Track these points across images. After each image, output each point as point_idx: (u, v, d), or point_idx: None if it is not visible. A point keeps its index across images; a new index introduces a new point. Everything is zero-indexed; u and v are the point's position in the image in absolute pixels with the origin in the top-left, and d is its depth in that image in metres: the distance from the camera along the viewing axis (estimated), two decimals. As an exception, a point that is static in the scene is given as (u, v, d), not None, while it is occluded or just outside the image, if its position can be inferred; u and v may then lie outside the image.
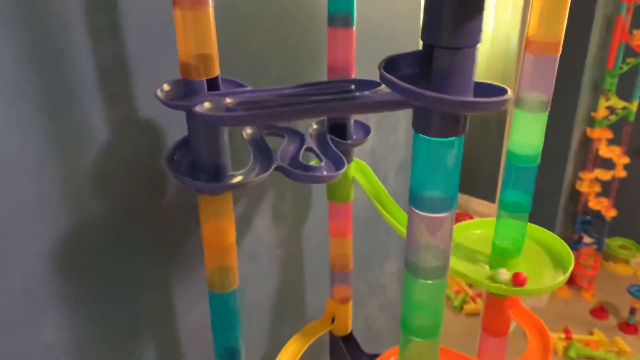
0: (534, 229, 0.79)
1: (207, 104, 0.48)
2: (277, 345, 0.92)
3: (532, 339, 0.75)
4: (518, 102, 0.66)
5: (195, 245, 0.77)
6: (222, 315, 0.71)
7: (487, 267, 0.76)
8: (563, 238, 2.77)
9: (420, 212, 0.46)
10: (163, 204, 0.72)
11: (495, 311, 0.78)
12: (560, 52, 0.61)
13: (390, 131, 1.14)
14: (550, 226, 2.68)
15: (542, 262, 0.76)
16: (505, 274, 0.71)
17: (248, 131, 0.75)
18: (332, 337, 1.00)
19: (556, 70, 0.63)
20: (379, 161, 1.15)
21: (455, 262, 0.77)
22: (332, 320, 0.99)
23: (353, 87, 0.52)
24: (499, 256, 0.74)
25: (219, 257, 0.67)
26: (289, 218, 0.95)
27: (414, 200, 0.46)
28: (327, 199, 0.89)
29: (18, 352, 0.61)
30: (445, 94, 0.40)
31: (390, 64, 0.42)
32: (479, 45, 0.39)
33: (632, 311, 2.64)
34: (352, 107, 0.45)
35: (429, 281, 0.49)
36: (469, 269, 0.76)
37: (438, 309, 0.51)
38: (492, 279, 0.70)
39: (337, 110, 0.47)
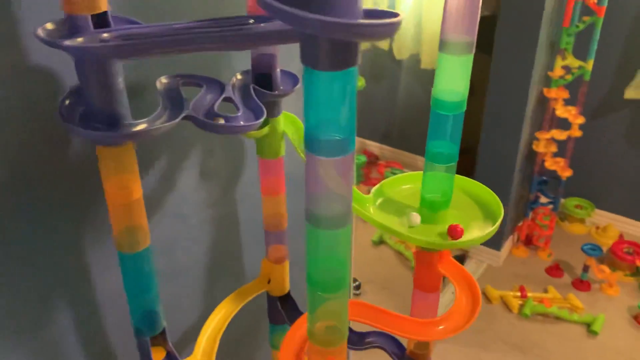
0: (463, 181, 0.76)
1: (80, 39, 0.43)
2: (210, 308, 0.89)
3: (461, 292, 0.73)
4: (442, 45, 0.62)
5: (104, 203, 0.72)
6: (134, 277, 0.67)
7: (417, 221, 0.74)
8: (519, 199, 2.79)
9: (317, 156, 0.42)
10: (65, 159, 0.66)
11: (425, 266, 0.76)
12: (482, -12, 0.58)
13: (330, 86, 1.09)
14: (506, 187, 2.70)
15: (472, 213, 0.73)
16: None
17: (163, 81, 0.70)
18: (270, 297, 0.98)
19: (480, 8, 0.59)
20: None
21: (384, 218, 0.74)
22: (269, 281, 0.96)
23: (252, 21, 0.47)
24: (428, 209, 0.72)
25: (125, 215, 0.62)
26: (220, 177, 0.91)
27: (309, 143, 0.42)
28: (257, 155, 0.84)
29: None
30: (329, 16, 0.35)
31: (272, -13, 0.38)
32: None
33: (585, 269, 2.70)
34: (231, 39, 0.41)
35: (331, 231, 0.46)
36: (398, 225, 0.73)
37: (344, 260, 0.48)
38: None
39: (215, 42, 0.43)
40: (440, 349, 2.37)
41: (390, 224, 0.72)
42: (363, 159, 3.50)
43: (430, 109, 0.67)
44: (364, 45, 3.35)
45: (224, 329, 0.85)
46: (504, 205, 0.71)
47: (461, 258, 2.88)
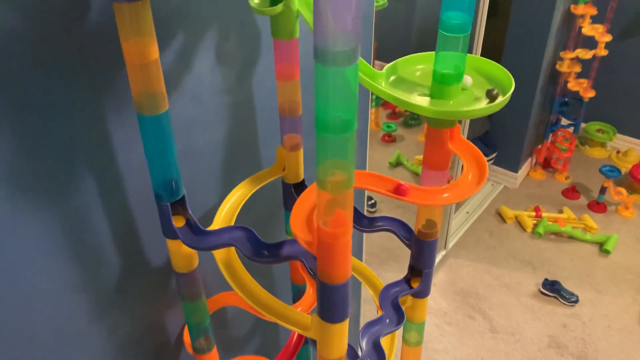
0: (474, 60, 0.77)
1: None
2: (228, 192, 0.92)
3: (468, 168, 0.75)
4: None
5: (122, 72, 0.74)
6: (154, 140, 0.70)
7: (428, 98, 0.75)
8: (539, 121, 2.78)
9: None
10: (84, 26, 0.68)
11: (435, 144, 0.78)
12: None
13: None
14: (527, 108, 2.66)
15: (482, 88, 0.74)
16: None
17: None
18: (285, 185, 1.01)
19: None
20: None
21: (396, 93, 0.76)
22: (284, 169, 0.99)
23: None
24: (440, 82, 0.73)
25: (143, 76, 0.65)
26: (235, 62, 0.92)
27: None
28: (272, 37, 0.85)
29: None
30: None
31: None
32: None
33: (602, 190, 2.70)
34: None
35: (338, 68, 0.48)
36: (409, 98, 0.74)
37: (351, 101, 0.50)
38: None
39: None
40: (452, 263, 2.43)
41: (403, 98, 0.73)
42: (382, 81, 3.46)
43: (445, -23, 0.66)
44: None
45: (241, 206, 0.89)
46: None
47: (477, 179, 2.90)
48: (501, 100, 0.70)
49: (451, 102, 0.73)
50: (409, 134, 3.39)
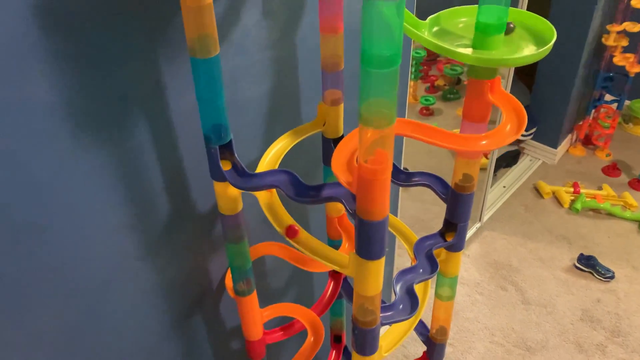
0: (518, 13, 0.78)
1: None
2: (269, 143, 0.96)
3: (507, 118, 0.77)
4: None
5: (176, 18, 0.78)
6: (205, 82, 0.74)
7: (470, 49, 0.76)
8: (582, 96, 2.73)
9: None
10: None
11: (475, 95, 0.79)
12: None
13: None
14: (569, 82, 2.61)
15: (524, 40, 0.75)
16: None
17: None
18: (324, 139, 1.04)
19: None
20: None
21: (437, 41, 0.77)
22: (324, 124, 1.02)
23: None
24: (482, 32, 0.74)
25: (197, 19, 0.68)
26: (280, 19, 0.95)
27: None
28: (317, -10, 0.88)
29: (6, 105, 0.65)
30: None
31: None
32: None
33: (645, 168, 2.64)
34: None
35: (385, 2, 0.50)
36: (451, 47, 0.76)
37: (395, 35, 0.52)
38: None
39: None
40: (486, 236, 2.43)
41: (445, 46, 0.75)
42: (423, 53, 3.43)
43: None
44: None
45: (283, 155, 0.93)
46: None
47: (515, 154, 2.87)
48: (544, 49, 0.71)
49: (493, 52, 0.75)
50: (447, 107, 3.36)
